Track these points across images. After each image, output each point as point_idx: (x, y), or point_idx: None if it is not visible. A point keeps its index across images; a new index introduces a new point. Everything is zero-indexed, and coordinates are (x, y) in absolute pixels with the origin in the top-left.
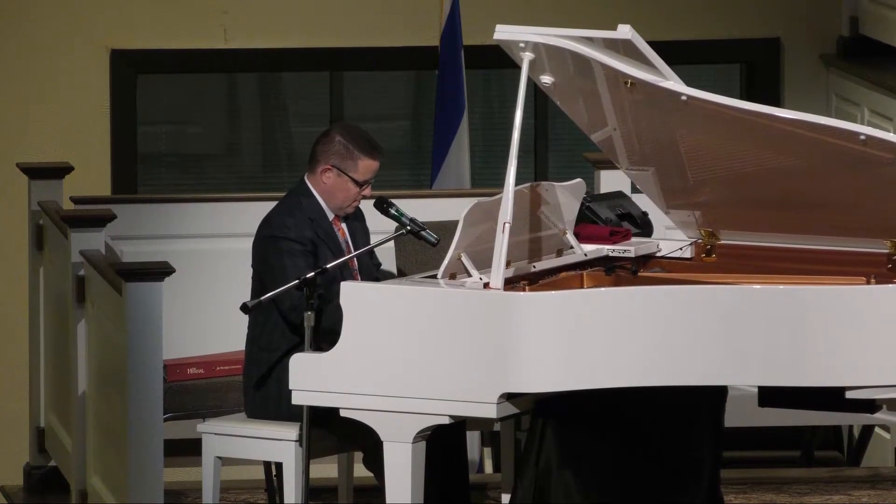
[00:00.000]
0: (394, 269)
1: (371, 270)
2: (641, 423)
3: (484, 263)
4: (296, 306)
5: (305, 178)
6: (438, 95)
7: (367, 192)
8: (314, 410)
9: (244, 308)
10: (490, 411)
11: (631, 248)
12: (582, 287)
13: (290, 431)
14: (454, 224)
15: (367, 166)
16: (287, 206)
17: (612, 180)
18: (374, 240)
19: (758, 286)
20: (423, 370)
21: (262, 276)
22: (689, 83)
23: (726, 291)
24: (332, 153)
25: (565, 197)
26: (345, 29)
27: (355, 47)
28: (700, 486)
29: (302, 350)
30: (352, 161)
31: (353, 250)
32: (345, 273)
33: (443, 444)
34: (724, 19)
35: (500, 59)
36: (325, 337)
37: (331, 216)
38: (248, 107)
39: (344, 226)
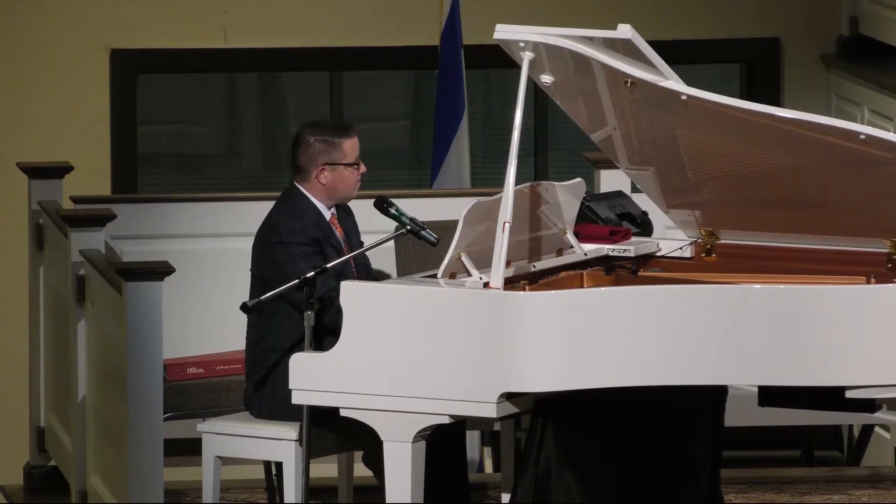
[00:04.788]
0: (394, 269)
1: (366, 265)
2: (641, 422)
3: (484, 263)
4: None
5: (296, 184)
6: (438, 95)
7: (363, 168)
8: (314, 410)
9: (244, 308)
10: (490, 411)
11: (631, 247)
12: (582, 287)
13: (290, 431)
14: (454, 224)
15: (350, 146)
16: (289, 211)
17: (612, 180)
18: (373, 240)
19: (758, 286)
20: (423, 369)
21: (273, 283)
22: (689, 83)
23: (726, 291)
24: (317, 154)
25: (565, 196)
26: (345, 29)
27: (355, 47)
28: (700, 486)
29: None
30: (337, 150)
31: (349, 247)
32: (346, 270)
33: (443, 444)
34: (724, 19)
35: (500, 59)
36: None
37: (328, 216)
38: (248, 107)
39: (339, 225)
